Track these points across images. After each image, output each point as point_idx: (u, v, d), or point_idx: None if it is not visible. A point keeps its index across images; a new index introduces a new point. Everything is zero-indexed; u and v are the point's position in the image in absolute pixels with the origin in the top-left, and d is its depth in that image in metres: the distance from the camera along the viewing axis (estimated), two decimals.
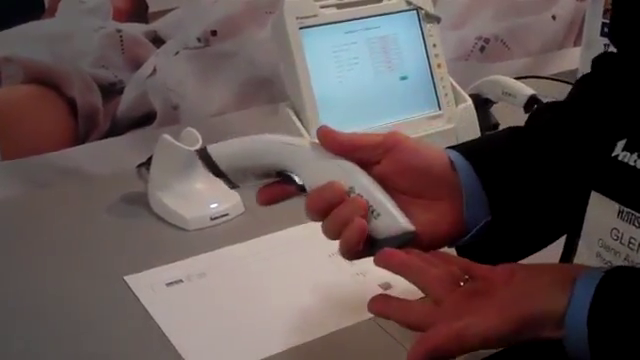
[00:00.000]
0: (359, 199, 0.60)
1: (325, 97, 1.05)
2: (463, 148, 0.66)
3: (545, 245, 0.69)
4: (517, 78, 1.23)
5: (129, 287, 0.84)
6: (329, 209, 0.61)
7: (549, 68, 1.63)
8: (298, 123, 1.03)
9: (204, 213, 0.97)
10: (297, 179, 0.63)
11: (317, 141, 0.63)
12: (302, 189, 0.63)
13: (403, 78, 1.11)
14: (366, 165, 0.63)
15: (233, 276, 0.87)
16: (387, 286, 0.84)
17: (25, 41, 1.12)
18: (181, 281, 0.86)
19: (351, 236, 0.60)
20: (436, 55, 1.13)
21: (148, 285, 0.85)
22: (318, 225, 0.95)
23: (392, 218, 0.60)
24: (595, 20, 1.45)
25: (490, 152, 0.66)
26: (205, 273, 0.87)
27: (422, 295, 0.82)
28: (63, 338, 0.77)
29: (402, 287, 0.83)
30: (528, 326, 0.56)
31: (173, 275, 0.86)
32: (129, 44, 1.20)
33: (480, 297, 0.59)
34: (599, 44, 1.44)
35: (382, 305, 0.63)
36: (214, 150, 0.64)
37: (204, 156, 0.64)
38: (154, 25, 1.23)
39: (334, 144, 0.62)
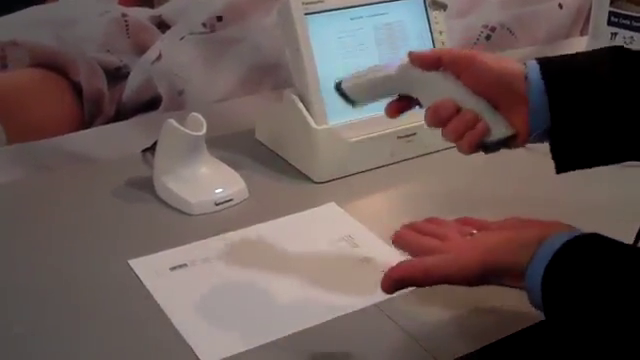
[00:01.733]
0: (469, 112, 0.72)
1: (330, 83, 1.04)
2: (545, 62, 0.72)
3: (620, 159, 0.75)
4: None
5: (133, 271, 0.84)
6: (446, 120, 0.73)
7: None
8: (303, 109, 1.03)
9: (209, 198, 0.97)
10: (414, 96, 0.77)
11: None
12: (419, 104, 0.77)
13: None
14: None
15: (237, 261, 0.87)
16: None
17: (31, 25, 1.13)
18: (185, 265, 0.86)
19: (472, 140, 0.73)
20: (442, 43, 1.13)
21: (152, 269, 0.85)
22: (322, 211, 0.96)
23: (498, 125, 0.72)
24: (602, 9, 1.44)
25: (566, 70, 0.72)
26: (209, 258, 0.87)
27: None
28: (67, 321, 0.77)
29: None
30: (490, 272, 0.68)
31: (177, 259, 0.87)
32: (134, 29, 1.20)
33: (462, 242, 0.72)
34: (606, 33, 1.44)
35: (400, 238, 0.76)
36: (346, 85, 0.80)
37: (339, 90, 0.80)
38: (159, 10, 1.22)
39: (423, 61, 0.74)
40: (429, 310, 0.78)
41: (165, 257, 0.87)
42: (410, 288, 0.79)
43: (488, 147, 0.73)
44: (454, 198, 1.01)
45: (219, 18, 1.27)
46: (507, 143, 0.73)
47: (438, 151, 1.12)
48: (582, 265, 0.63)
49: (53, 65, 1.15)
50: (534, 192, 1.03)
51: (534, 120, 0.72)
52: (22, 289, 0.82)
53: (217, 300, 0.81)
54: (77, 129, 1.19)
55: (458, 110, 0.73)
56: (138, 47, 1.21)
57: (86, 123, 1.20)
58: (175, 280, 0.83)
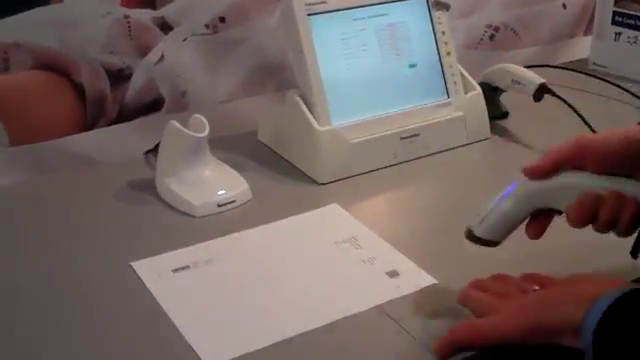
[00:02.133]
0: (612, 194, 0.67)
1: (333, 84, 1.04)
2: None
3: None
4: (527, 67, 1.22)
5: (136, 273, 0.84)
6: (594, 215, 0.68)
7: (559, 57, 1.62)
8: (306, 110, 1.03)
9: (211, 200, 0.97)
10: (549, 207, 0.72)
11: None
12: (558, 212, 0.72)
13: (412, 66, 1.11)
14: None
15: (240, 263, 0.87)
16: (394, 274, 0.83)
17: (33, 27, 1.12)
18: (188, 267, 0.85)
19: (626, 221, 0.67)
20: (445, 43, 1.13)
21: (155, 271, 0.84)
22: (325, 212, 0.96)
23: None
24: (606, 9, 1.44)
25: None
26: (212, 259, 0.87)
27: (429, 283, 0.82)
28: (69, 324, 0.77)
29: (410, 274, 0.83)
30: (544, 332, 0.64)
31: (180, 261, 0.86)
32: (137, 30, 1.20)
33: (514, 301, 0.68)
34: (610, 33, 1.43)
35: (465, 297, 0.74)
36: (479, 231, 0.75)
37: (474, 239, 0.76)
38: (162, 11, 1.22)
39: (542, 173, 0.71)
40: (433, 312, 0.78)
41: (168, 259, 0.87)
42: (414, 289, 0.79)
43: None
44: (458, 199, 1.01)
45: (222, 19, 1.26)
46: None
47: (441, 152, 1.12)
48: (636, 318, 0.59)
49: (55, 67, 1.15)
50: None
51: None
52: (24, 291, 0.82)
53: (220, 302, 0.80)
54: (79, 131, 1.19)
55: (600, 199, 0.68)
56: (141, 48, 1.21)
57: (89, 125, 1.19)
58: (178, 282, 0.83)
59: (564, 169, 0.70)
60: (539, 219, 0.73)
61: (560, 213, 0.72)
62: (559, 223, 0.73)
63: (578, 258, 0.86)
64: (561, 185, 0.70)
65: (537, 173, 0.71)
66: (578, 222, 0.69)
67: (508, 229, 0.74)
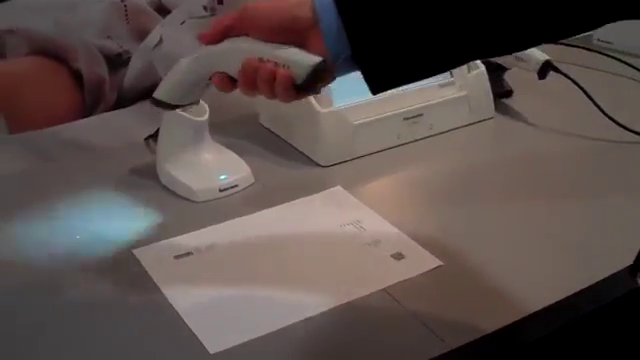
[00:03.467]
0: (267, 64, 0.68)
1: None
2: None
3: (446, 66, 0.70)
4: None
5: (137, 260, 0.83)
6: (255, 81, 0.69)
7: None
8: None
9: (213, 185, 0.96)
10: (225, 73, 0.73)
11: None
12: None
13: None
14: None
15: (242, 248, 0.86)
16: (399, 256, 0.82)
17: (28, 12, 1.11)
18: (190, 254, 0.84)
19: (282, 90, 0.68)
20: None
21: (156, 258, 0.83)
22: (328, 195, 0.95)
23: (299, 63, 0.67)
24: None
25: None
26: (214, 245, 0.86)
27: (435, 266, 0.81)
28: (70, 312, 0.76)
29: (415, 257, 0.82)
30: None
31: (182, 248, 0.85)
32: (134, 14, 1.18)
33: None
34: None
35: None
36: (159, 94, 0.79)
37: (156, 103, 0.80)
38: None
39: (213, 38, 0.71)
40: (439, 295, 0.77)
41: (169, 245, 0.86)
42: (419, 271, 0.78)
43: (303, 88, 0.68)
44: (461, 179, 1.00)
45: (220, 1, 1.25)
46: (319, 76, 0.68)
47: (445, 132, 1.10)
48: None
49: (52, 53, 1.14)
50: (541, 172, 1.01)
51: (333, 44, 0.66)
52: (23, 279, 0.81)
53: (223, 288, 0.79)
54: (78, 117, 1.18)
55: (257, 68, 0.69)
56: (138, 32, 1.20)
57: (87, 111, 1.18)
58: (180, 269, 0.82)
59: (232, 35, 0.71)
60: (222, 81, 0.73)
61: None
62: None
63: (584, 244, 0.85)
64: (224, 50, 0.71)
65: (207, 38, 0.72)
66: (242, 88, 0.70)
67: (187, 92, 0.78)
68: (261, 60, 0.68)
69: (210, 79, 0.74)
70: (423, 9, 0.63)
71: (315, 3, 0.66)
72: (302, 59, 0.67)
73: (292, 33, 0.67)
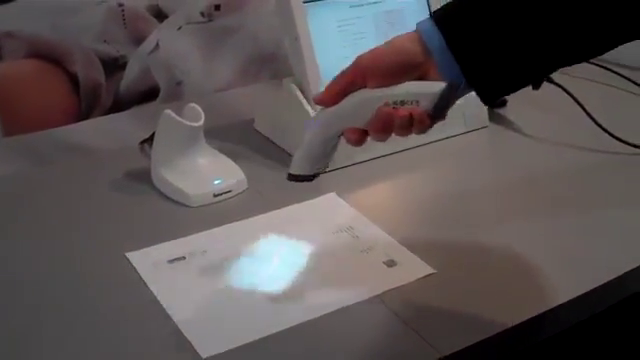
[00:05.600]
0: (400, 110, 0.69)
1: (330, 72, 1.00)
2: (438, 15, 0.69)
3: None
4: None
5: (131, 264, 0.84)
6: (390, 126, 0.69)
7: None
8: (302, 99, 1.02)
9: (207, 190, 0.96)
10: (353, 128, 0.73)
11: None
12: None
13: None
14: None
15: (236, 253, 0.86)
16: (391, 263, 0.83)
17: (26, 16, 1.11)
18: (183, 258, 0.85)
19: (420, 126, 0.69)
20: None
21: (150, 262, 0.84)
22: (322, 202, 0.95)
23: (427, 94, 0.68)
24: None
25: (458, 13, 0.68)
26: (207, 250, 0.86)
27: (427, 273, 0.81)
28: (64, 315, 0.76)
29: (407, 264, 0.82)
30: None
31: (175, 252, 0.85)
32: (131, 18, 1.19)
33: None
34: None
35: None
36: (296, 170, 0.77)
37: (294, 178, 0.77)
38: None
39: (334, 100, 0.71)
40: (431, 302, 0.77)
41: (163, 250, 0.86)
42: (411, 278, 0.79)
43: (438, 114, 0.69)
44: (456, 188, 1.00)
45: (217, 7, 1.25)
46: (446, 102, 0.69)
47: (439, 140, 1.11)
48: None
49: (49, 56, 1.14)
50: (535, 181, 1.02)
51: (449, 72, 0.67)
52: (19, 282, 0.81)
53: (216, 293, 0.80)
54: (74, 120, 1.18)
55: (391, 112, 0.69)
56: (135, 37, 1.20)
57: (83, 114, 1.18)
58: (173, 273, 0.82)
59: (351, 91, 0.71)
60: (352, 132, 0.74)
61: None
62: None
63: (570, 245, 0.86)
64: (351, 106, 0.71)
65: (326, 100, 0.72)
66: (377, 136, 0.71)
67: (321, 159, 0.76)
68: (387, 105, 0.69)
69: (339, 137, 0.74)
70: (518, 31, 0.65)
71: (424, 38, 0.67)
72: (428, 90, 0.68)
73: (409, 70, 0.68)
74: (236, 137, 1.11)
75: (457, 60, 0.66)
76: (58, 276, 0.82)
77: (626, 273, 0.82)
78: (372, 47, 1.01)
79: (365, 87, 0.70)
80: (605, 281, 0.80)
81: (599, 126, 1.09)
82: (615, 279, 0.81)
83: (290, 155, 1.06)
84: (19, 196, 0.99)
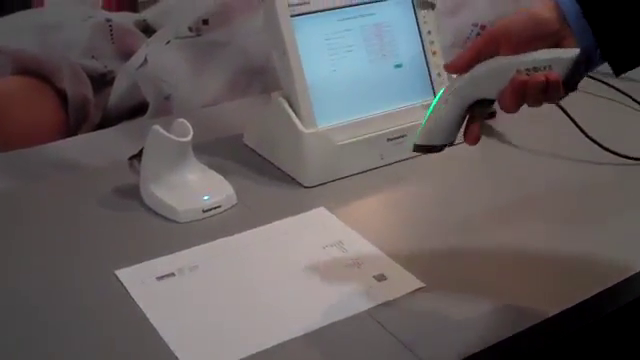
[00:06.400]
0: (536, 75, 0.69)
1: (318, 86, 1.03)
2: None
3: None
4: None
5: (120, 281, 0.83)
6: (523, 93, 0.70)
7: None
8: (291, 112, 1.02)
9: (196, 205, 0.95)
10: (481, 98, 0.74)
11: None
12: (490, 102, 0.74)
13: (398, 66, 1.10)
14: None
15: (225, 269, 0.86)
16: (381, 277, 0.82)
17: (13, 31, 1.11)
18: (173, 275, 0.84)
19: (554, 91, 0.70)
20: (431, 42, 1.12)
21: (139, 279, 0.83)
22: (312, 216, 0.95)
23: (561, 59, 0.69)
24: None
25: None
26: (197, 266, 0.86)
27: (417, 287, 0.81)
28: (52, 332, 0.76)
29: (397, 278, 0.82)
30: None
31: (164, 269, 0.85)
32: (119, 34, 1.19)
33: None
34: None
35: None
36: (423, 140, 0.77)
37: (420, 149, 0.77)
38: (144, 14, 1.21)
39: (465, 67, 0.73)
40: (421, 317, 0.77)
41: (152, 266, 0.86)
42: (404, 291, 0.79)
43: (570, 81, 0.70)
44: (445, 200, 1.00)
45: (205, 21, 1.25)
46: (579, 69, 0.70)
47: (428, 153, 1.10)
48: None
49: (37, 72, 1.14)
50: (524, 192, 1.02)
51: (583, 39, 0.70)
52: (6, 300, 0.81)
53: (205, 310, 0.79)
54: (63, 136, 1.18)
55: (524, 80, 0.70)
56: (123, 52, 1.20)
57: (72, 130, 1.18)
58: (162, 290, 0.82)
59: (483, 59, 0.72)
60: (473, 122, 0.75)
61: (492, 102, 0.74)
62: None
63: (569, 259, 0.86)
64: (486, 72, 0.72)
65: (457, 66, 0.74)
66: (510, 105, 0.71)
67: (447, 130, 0.76)
68: (519, 72, 0.70)
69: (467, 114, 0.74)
70: None
71: (561, 6, 0.69)
72: (562, 55, 0.69)
73: (543, 37, 0.70)
74: (225, 152, 1.10)
75: (592, 29, 0.68)
76: (46, 293, 0.81)
77: (615, 285, 0.82)
78: (361, 60, 1.02)
79: (497, 55, 0.71)
80: (596, 292, 0.80)
81: (588, 137, 1.09)
82: (605, 290, 0.81)
83: (279, 170, 1.06)
84: (7, 213, 0.99)
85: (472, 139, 0.75)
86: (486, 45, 0.72)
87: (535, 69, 0.70)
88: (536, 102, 0.71)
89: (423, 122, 0.76)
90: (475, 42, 0.73)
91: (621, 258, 0.86)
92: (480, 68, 0.72)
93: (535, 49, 0.70)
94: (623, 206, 0.98)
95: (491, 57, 0.72)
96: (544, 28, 0.70)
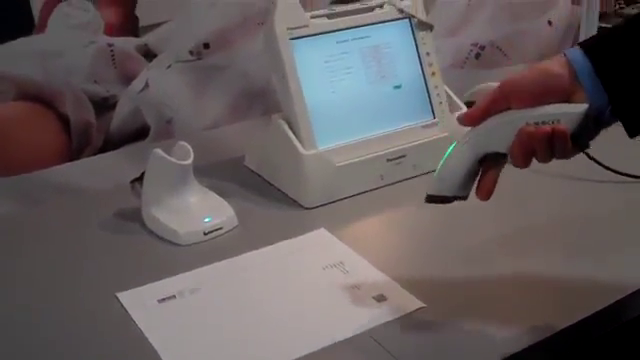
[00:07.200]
0: (542, 127, 0.70)
1: (318, 108, 1.04)
2: (587, 45, 0.71)
3: None
4: None
5: (121, 304, 0.83)
6: (532, 148, 0.71)
7: None
8: (291, 134, 1.02)
9: (197, 228, 0.96)
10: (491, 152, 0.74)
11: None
12: (502, 157, 0.74)
13: (397, 87, 1.11)
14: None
15: (226, 291, 0.86)
16: (381, 298, 0.82)
17: (16, 57, 1.12)
18: (174, 297, 0.84)
19: (560, 145, 0.70)
20: (430, 63, 1.12)
21: (140, 302, 0.83)
22: (312, 238, 0.95)
23: (569, 113, 0.70)
24: (591, 24, 1.45)
25: (608, 44, 0.71)
26: (198, 288, 0.86)
27: (417, 307, 0.81)
28: (54, 355, 0.76)
29: (397, 299, 0.82)
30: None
31: (166, 291, 0.85)
32: (121, 58, 1.19)
33: None
34: None
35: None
36: (435, 190, 0.77)
37: (432, 199, 0.77)
38: (146, 39, 1.22)
39: (479, 119, 0.74)
40: (421, 337, 0.77)
41: (153, 289, 0.86)
42: (401, 313, 0.78)
43: (577, 138, 0.70)
44: (446, 221, 1.00)
45: (206, 45, 1.26)
46: (589, 125, 0.70)
47: (428, 172, 1.10)
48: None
49: (39, 97, 1.15)
50: (524, 210, 1.02)
51: (594, 95, 0.70)
52: (8, 322, 0.81)
53: (206, 332, 0.79)
54: (65, 161, 1.19)
55: (532, 134, 0.71)
56: (125, 77, 1.21)
57: (74, 154, 1.19)
58: (163, 312, 0.82)
59: (494, 112, 0.73)
60: (486, 176, 0.75)
61: (505, 157, 0.74)
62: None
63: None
64: (496, 125, 0.73)
65: (469, 119, 0.75)
66: (519, 159, 0.72)
67: (459, 182, 0.76)
68: (528, 125, 0.70)
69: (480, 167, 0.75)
70: None
71: (572, 63, 0.70)
72: (570, 109, 0.70)
73: (554, 92, 0.70)
74: (226, 174, 1.11)
75: (605, 87, 0.68)
76: (48, 316, 0.82)
77: (617, 301, 0.82)
78: (360, 81, 1.03)
79: (509, 109, 0.72)
80: (599, 308, 0.80)
81: (588, 155, 1.09)
82: (605, 307, 0.81)
83: (280, 192, 1.07)
84: (10, 237, 0.99)
85: (483, 193, 0.75)
86: (498, 99, 0.72)
87: (544, 123, 0.70)
88: (545, 156, 0.71)
89: (436, 172, 0.77)
90: (488, 96, 0.73)
91: (625, 276, 0.86)
92: (492, 121, 0.73)
93: (546, 104, 0.70)
94: (627, 221, 0.98)
95: (502, 111, 0.72)
96: (555, 84, 0.70)
